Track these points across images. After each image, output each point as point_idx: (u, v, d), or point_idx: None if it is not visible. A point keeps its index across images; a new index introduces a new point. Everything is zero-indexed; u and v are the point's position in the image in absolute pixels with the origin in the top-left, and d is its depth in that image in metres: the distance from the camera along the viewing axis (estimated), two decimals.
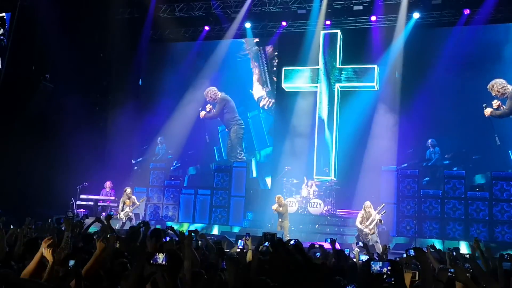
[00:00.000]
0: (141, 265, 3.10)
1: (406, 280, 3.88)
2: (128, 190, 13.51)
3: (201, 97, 17.30)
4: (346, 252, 7.50)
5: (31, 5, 14.29)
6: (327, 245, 7.16)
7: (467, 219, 12.65)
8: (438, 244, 11.02)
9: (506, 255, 5.47)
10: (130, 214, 13.15)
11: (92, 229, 7.81)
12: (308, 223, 13.69)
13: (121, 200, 13.50)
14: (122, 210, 13.18)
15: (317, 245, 6.74)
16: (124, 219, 13.01)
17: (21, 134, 14.43)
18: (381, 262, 3.20)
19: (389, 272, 3.10)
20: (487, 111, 14.38)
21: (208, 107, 17.39)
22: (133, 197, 13.46)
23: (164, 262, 3.20)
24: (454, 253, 7.00)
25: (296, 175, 14.57)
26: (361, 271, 4.16)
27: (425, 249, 6.37)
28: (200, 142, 17.24)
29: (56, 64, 14.87)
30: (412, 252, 4.79)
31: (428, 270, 3.18)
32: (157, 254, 3.19)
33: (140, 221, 6.89)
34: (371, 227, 11.17)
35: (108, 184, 15.12)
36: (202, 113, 17.53)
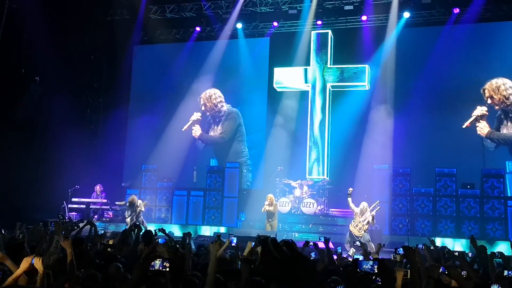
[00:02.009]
0: (141, 270, 3.07)
1: (398, 278, 3.90)
2: (134, 197, 13.17)
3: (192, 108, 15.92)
4: (339, 250, 7.53)
5: (19, 8, 14.19)
6: (321, 244, 7.15)
7: (458, 216, 12.72)
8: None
9: (497, 253, 5.51)
10: (134, 219, 12.78)
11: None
12: (301, 222, 13.71)
13: (127, 206, 13.22)
14: (129, 215, 12.93)
15: (311, 243, 6.72)
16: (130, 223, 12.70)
17: (11, 137, 14.31)
18: (369, 262, 3.20)
19: (376, 271, 3.11)
20: (483, 128, 12.67)
21: (196, 115, 15.25)
22: (139, 201, 13.14)
23: (161, 268, 3.15)
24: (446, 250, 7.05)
25: (288, 175, 14.58)
26: (348, 271, 4.16)
27: (421, 246, 6.38)
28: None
29: (46, 66, 14.77)
30: (401, 251, 4.80)
31: (417, 268, 3.20)
32: (155, 260, 3.15)
33: (131, 224, 6.85)
34: (364, 228, 11.14)
35: (98, 187, 15.01)
36: (197, 131, 15.44)
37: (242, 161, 15.68)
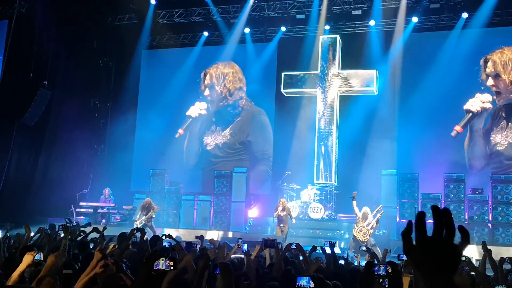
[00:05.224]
0: (146, 270, 3.07)
1: (404, 283, 3.86)
2: (147, 199, 13.13)
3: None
4: (346, 255, 7.48)
5: (28, 12, 14.33)
6: (328, 249, 7.11)
7: (467, 221, 12.60)
8: None
9: (506, 258, 5.44)
10: (144, 221, 12.72)
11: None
12: (308, 228, 13.64)
13: (140, 206, 13.18)
14: (139, 219, 12.84)
15: (319, 248, 6.69)
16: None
17: (19, 141, 14.42)
18: (382, 266, 3.18)
19: (386, 274, 3.09)
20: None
21: (197, 109, 15.24)
22: (155, 207, 12.96)
23: (164, 268, 3.13)
24: None
25: (296, 180, 14.53)
26: (361, 274, 4.13)
27: None
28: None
29: (55, 71, 14.90)
30: (404, 257, 4.76)
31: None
32: (159, 260, 3.13)
33: (134, 228, 6.83)
34: (369, 233, 11.06)
35: (106, 190, 15.03)
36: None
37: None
